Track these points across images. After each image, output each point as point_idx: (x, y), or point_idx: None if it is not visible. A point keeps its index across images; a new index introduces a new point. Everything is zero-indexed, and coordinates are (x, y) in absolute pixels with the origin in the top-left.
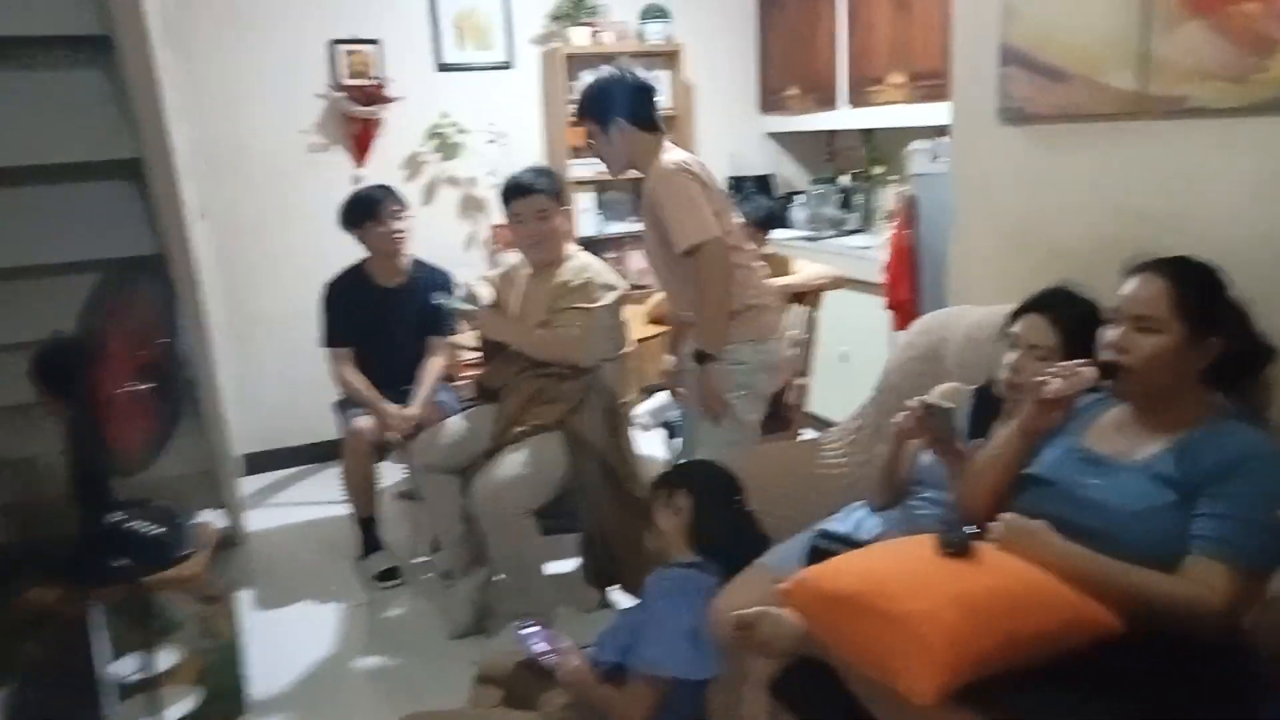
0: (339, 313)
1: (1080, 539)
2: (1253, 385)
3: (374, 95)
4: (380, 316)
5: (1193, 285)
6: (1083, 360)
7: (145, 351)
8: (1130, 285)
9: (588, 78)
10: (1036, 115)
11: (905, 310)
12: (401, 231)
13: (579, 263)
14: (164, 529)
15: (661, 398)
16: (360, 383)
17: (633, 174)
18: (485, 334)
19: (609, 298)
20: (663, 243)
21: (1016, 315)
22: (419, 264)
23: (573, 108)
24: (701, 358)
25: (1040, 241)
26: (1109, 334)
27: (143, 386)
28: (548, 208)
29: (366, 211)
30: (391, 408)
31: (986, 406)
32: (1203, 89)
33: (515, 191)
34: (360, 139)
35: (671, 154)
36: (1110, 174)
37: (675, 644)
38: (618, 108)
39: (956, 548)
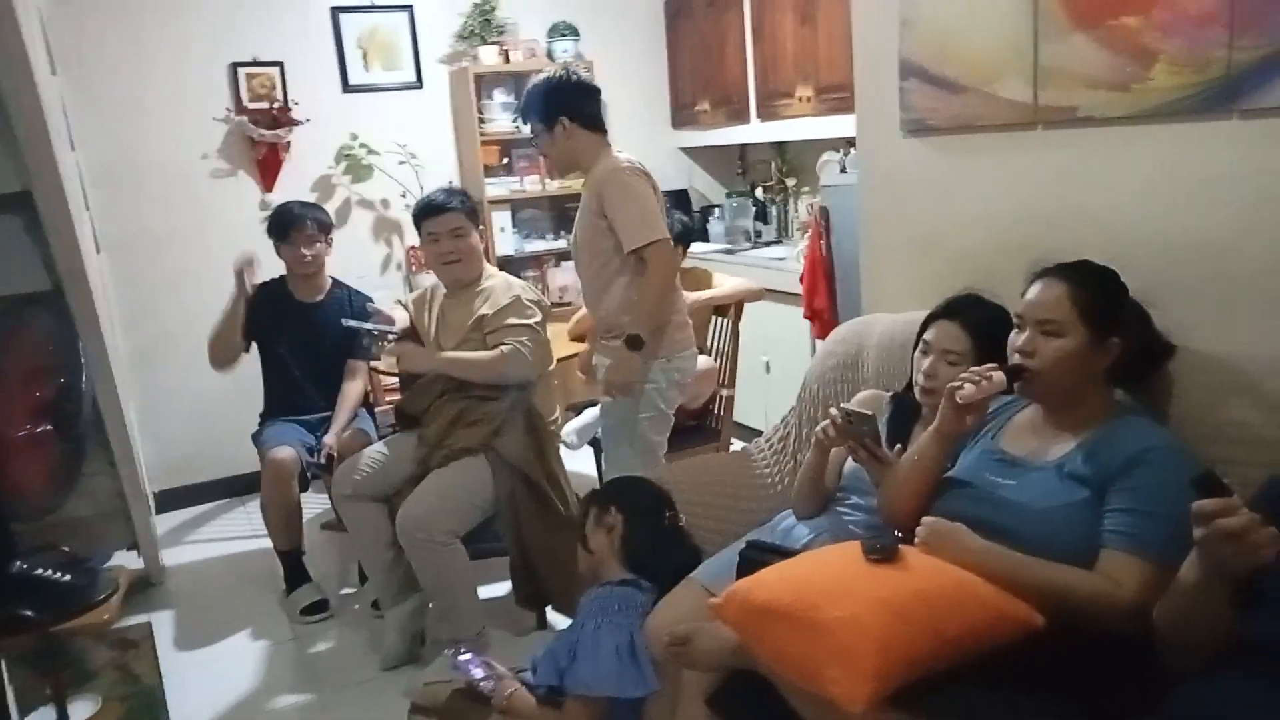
0: (252, 310)
1: (997, 538)
2: (1152, 381)
3: (279, 118)
4: (299, 331)
5: (1093, 288)
6: (994, 365)
7: (43, 391)
8: (1034, 290)
9: (499, 96)
10: (937, 127)
11: (823, 319)
12: (308, 257)
13: (501, 281)
14: (72, 574)
15: (588, 415)
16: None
17: (551, 190)
18: (409, 369)
19: (539, 315)
20: (595, 246)
21: (928, 322)
22: (337, 283)
23: (485, 126)
24: (633, 342)
25: (946, 248)
26: (1016, 339)
27: (42, 428)
28: (462, 225)
29: (279, 230)
30: None
31: (904, 412)
32: (1091, 99)
33: (428, 211)
34: (267, 163)
35: (620, 154)
36: (1008, 181)
37: (610, 663)
38: (563, 107)
39: (882, 553)
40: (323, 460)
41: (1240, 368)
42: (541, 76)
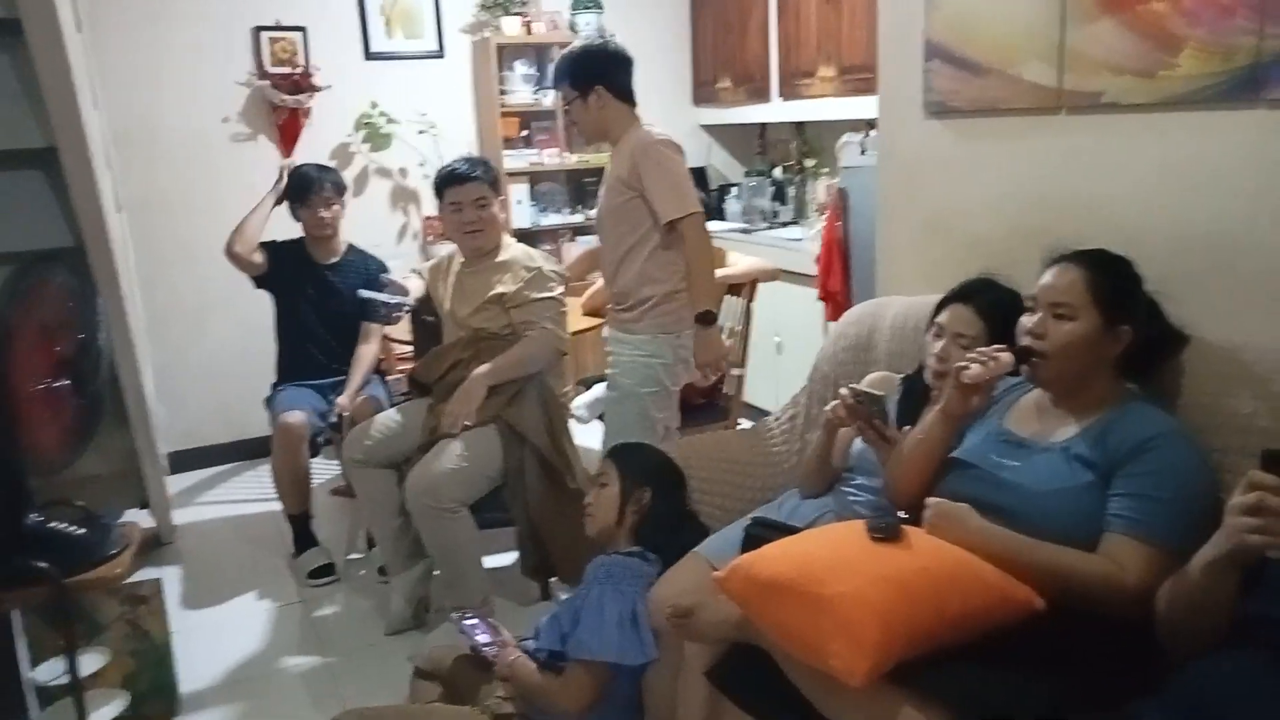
0: (277, 247)
1: (1001, 519)
2: (1162, 371)
3: (300, 84)
4: (314, 290)
5: (1107, 275)
6: (1001, 346)
7: (62, 347)
8: (1048, 275)
9: (521, 68)
10: (958, 108)
11: (837, 301)
12: (326, 219)
13: (521, 252)
14: (86, 529)
15: (598, 390)
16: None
17: (569, 164)
18: (460, 406)
19: (561, 286)
20: (621, 215)
21: (941, 305)
22: (353, 249)
23: (506, 97)
24: (705, 318)
25: (963, 231)
26: (1027, 321)
27: (59, 383)
28: (485, 196)
29: (297, 193)
30: None
31: (915, 394)
32: (1115, 84)
33: (452, 179)
34: (287, 128)
35: (653, 127)
36: (1028, 166)
37: (613, 630)
38: (599, 75)
39: (885, 532)
40: (334, 420)
41: (1250, 359)
42: (578, 43)
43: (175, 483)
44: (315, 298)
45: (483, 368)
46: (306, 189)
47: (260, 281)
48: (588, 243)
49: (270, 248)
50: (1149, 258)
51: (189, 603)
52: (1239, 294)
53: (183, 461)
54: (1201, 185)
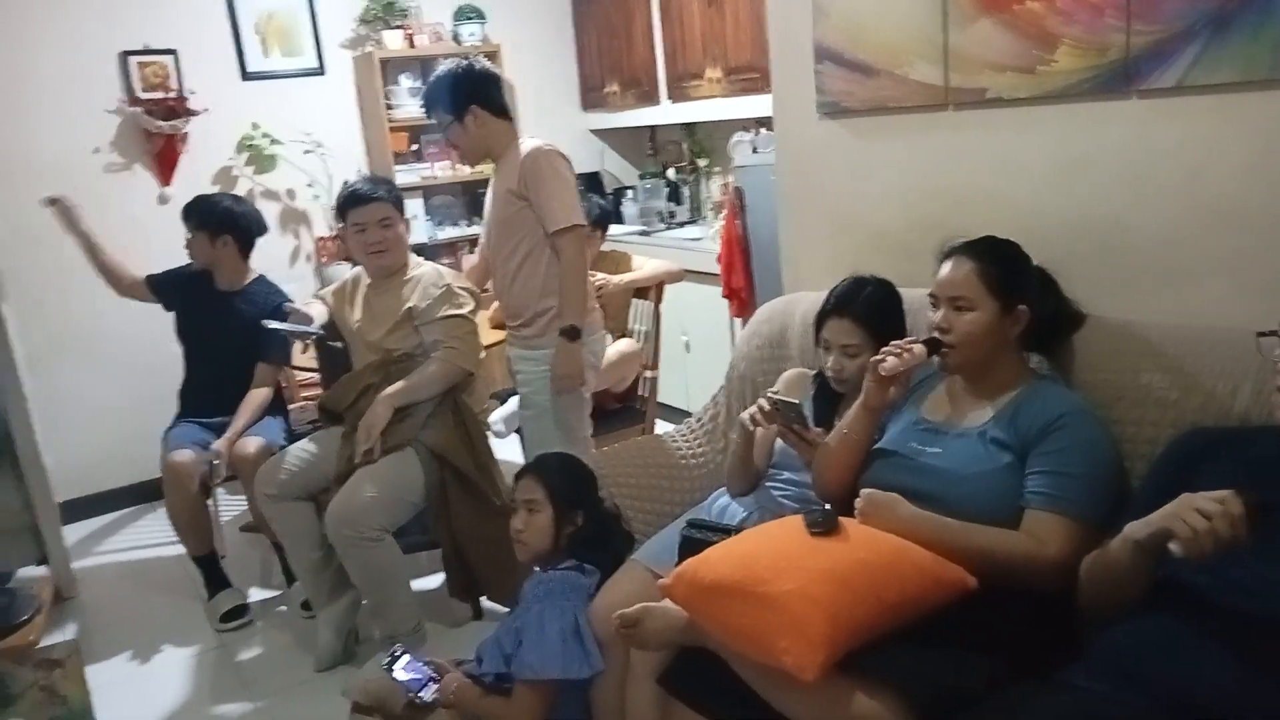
0: (176, 277)
1: (927, 504)
2: (1063, 349)
3: (175, 108)
4: (213, 317)
5: (998, 262)
6: (912, 339)
7: None
8: (944, 270)
9: (406, 81)
10: (852, 109)
11: (741, 298)
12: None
13: (430, 270)
14: None
15: (513, 403)
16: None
17: (462, 175)
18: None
19: (471, 303)
20: (510, 228)
21: (821, 319)
22: (261, 279)
23: (393, 112)
24: (570, 333)
25: (863, 226)
26: (931, 316)
27: None
28: (390, 215)
29: (256, 232)
30: None
31: (829, 390)
32: (999, 81)
33: (354, 200)
34: (164, 155)
35: (536, 138)
36: (922, 161)
37: (556, 645)
38: (471, 96)
39: (823, 526)
40: (210, 464)
41: (1141, 335)
42: (443, 69)
43: (72, 532)
44: (213, 326)
45: (387, 390)
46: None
47: (167, 307)
48: None
49: (160, 279)
50: (1041, 243)
51: (102, 658)
52: (1128, 274)
53: (78, 509)
54: (1084, 173)
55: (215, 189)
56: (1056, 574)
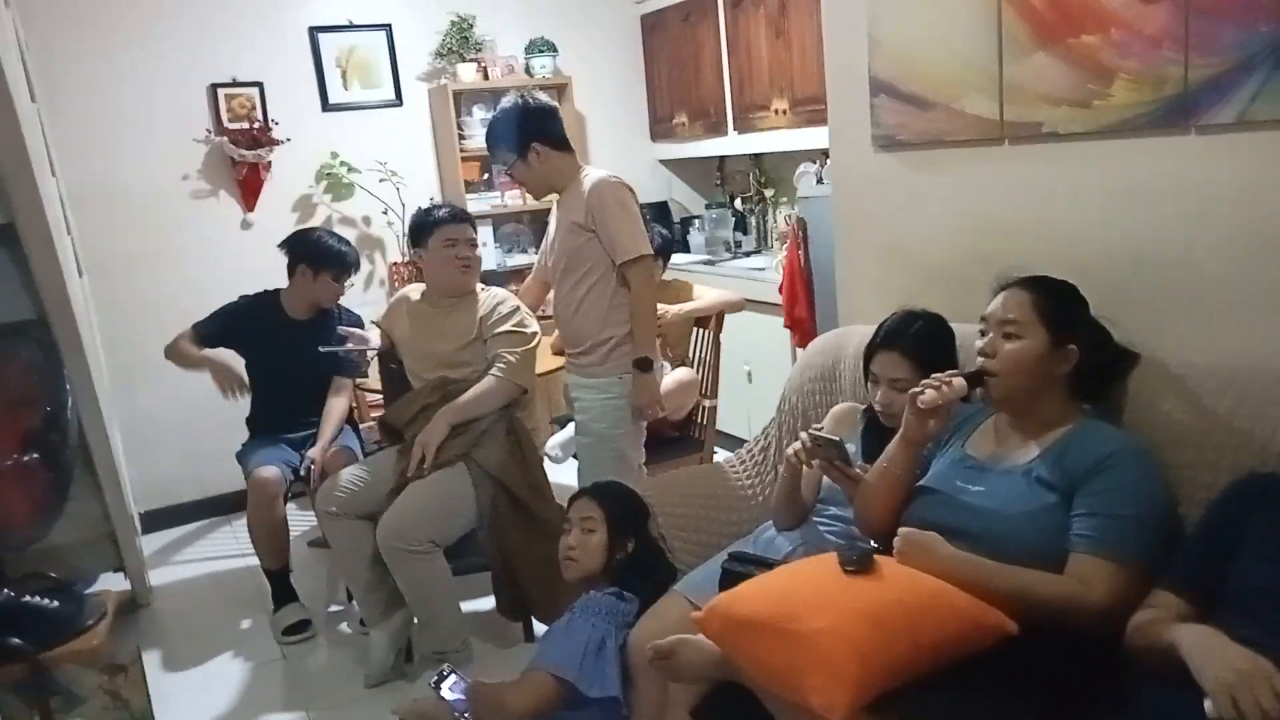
0: (229, 320)
1: (968, 544)
2: (1115, 389)
3: (259, 138)
4: (285, 343)
5: (1053, 296)
6: (954, 371)
7: (28, 420)
8: (997, 299)
9: (479, 113)
10: (907, 141)
11: (803, 328)
12: (337, 296)
13: (500, 291)
14: (60, 601)
15: (572, 429)
16: (185, 351)
17: (531, 205)
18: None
19: (535, 328)
20: (577, 259)
21: (871, 353)
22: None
23: (465, 142)
24: (643, 365)
25: (916, 260)
26: (978, 343)
27: (28, 458)
28: (475, 237)
29: (340, 266)
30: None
31: (878, 425)
32: (1054, 115)
33: (451, 217)
34: (248, 183)
35: (602, 170)
36: (976, 195)
37: (578, 651)
38: (532, 132)
39: (858, 564)
40: (303, 474)
41: (1198, 374)
42: (502, 108)
43: (149, 543)
44: (287, 351)
45: (447, 406)
46: (350, 267)
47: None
48: None
49: (225, 321)
50: (1094, 279)
51: (169, 665)
52: (1183, 313)
53: (155, 521)
54: (1141, 208)
55: (295, 216)
56: (1102, 620)
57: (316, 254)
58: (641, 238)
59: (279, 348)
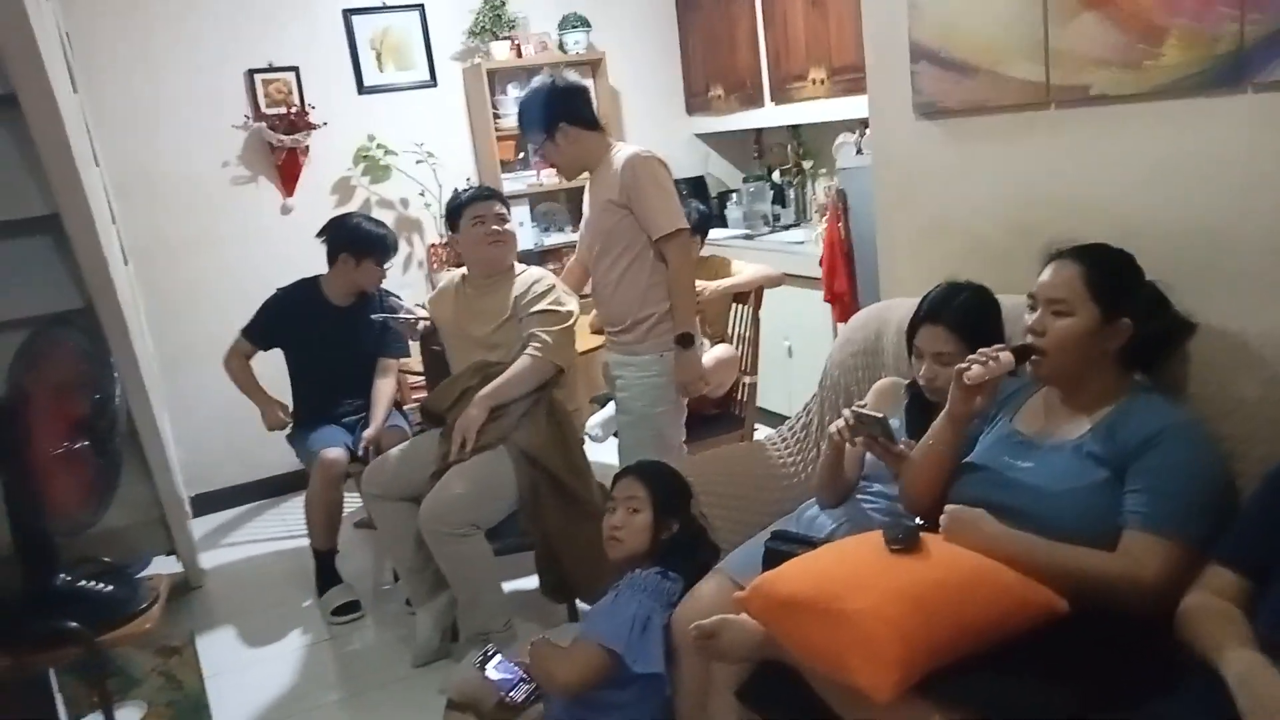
0: (272, 315)
1: (1016, 521)
2: (1169, 361)
3: (296, 123)
4: (331, 330)
5: (1104, 269)
6: (1001, 345)
7: (78, 408)
8: (1046, 272)
9: (513, 91)
10: (949, 109)
11: (844, 302)
12: (376, 281)
13: (537, 270)
14: (114, 585)
15: (612, 408)
16: (244, 375)
17: (568, 184)
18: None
19: (571, 306)
20: (614, 236)
21: (915, 326)
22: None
23: (500, 121)
24: (684, 340)
25: (961, 231)
26: (1026, 319)
27: (79, 444)
28: (506, 212)
29: (369, 249)
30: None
31: (922, 400)
32: (1102, 77)
33: (475, 197)
34: (286, 168)
35: (633, 145)
36: (1021, 163)
37: (625, 625)
38: (560, 113)
39: (903, 543)
40: (360, 454)
41: (1255, 345)
42: (530, 90)
43: (200, 526)
44: (332, 337)
45: (482, 390)
46: (386, 251)
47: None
48: None
49: (271, 316)
50: (1147, 248)
51: (221, 646)
52: (1239, 280)
53: (205, 504)
54: (1194, 173)
55: (334, 199)
56: (1153, 598)
57: (358, 241)
58: (677, 213)
59: (324, 334)
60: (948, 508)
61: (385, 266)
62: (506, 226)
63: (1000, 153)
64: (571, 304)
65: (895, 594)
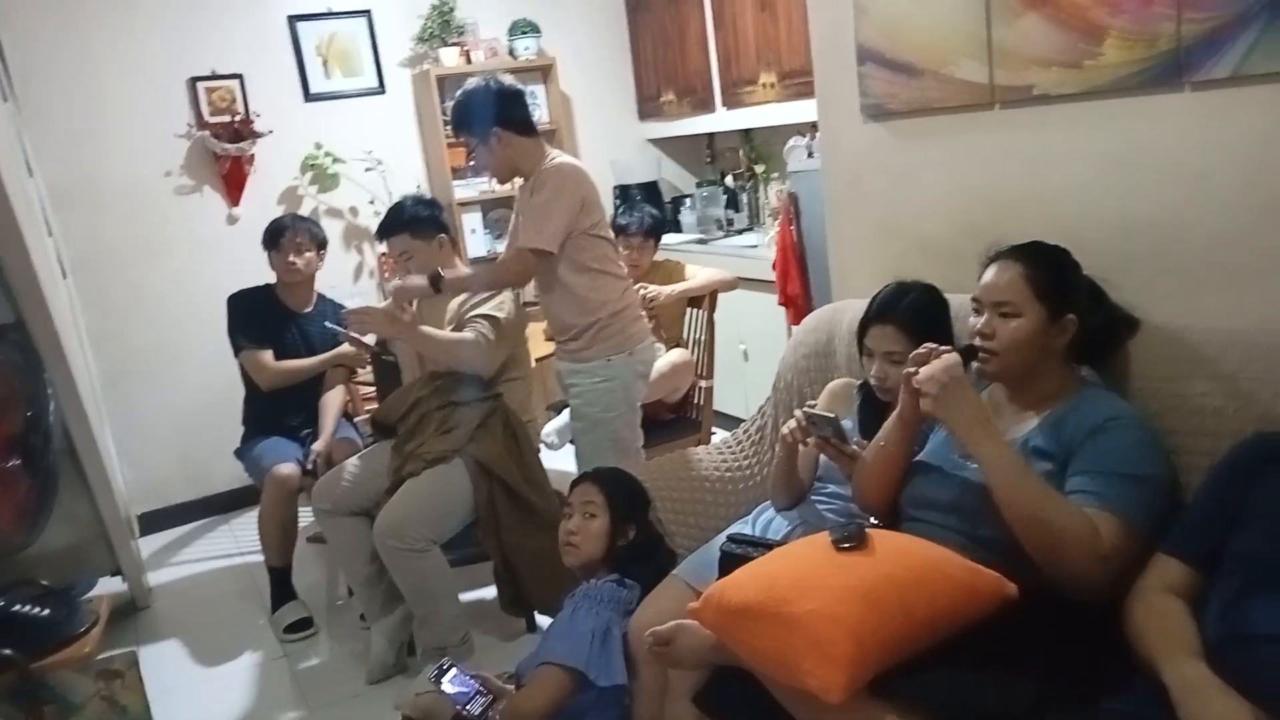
0: (248, 316)
1: (965, 519)
2: (1114, 357)
3: (241, 131)
4: (285, 337)
5: (1046, 268)
6: (948, 347)
7: (9, 425)
8: (989, 274)
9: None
10: (896, 110)
11: (797, 305)
12: (297, 265)
13: None
14: (50, 608)
15: (567, 415)
16: (288, 366)
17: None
18: (390, 333)
19: (510, 312)
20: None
21: (865, 326)
22: (322, 298)
23: (450, 128)
24: (435, 281)
25: (908, 231)
26: (973, 322)
27: (10, 463)
28: (408, 248)
29: (271, 238)
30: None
31: (874, 401)
32: (1045, 77)
33: (379, 234)
34: (231, 177)
35: (566, 155)
36: (968, 163)
37: (584, 642)
38: (491, 116)
39: (851, 541)
40: (309, 467)
41: (1198, 341)
42: (463, 91)
43: (148, 544)
44: (293, 343)
45: (424, 329)
46: (279, 234)
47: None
48: None
49: (250, 320)
50: (1091, 245)
51: (170, 667)
52: (1183, 277)
53: (153, 522)
54: (1136, 170)
55: (281, 208)
56: (1104, 573)
57: (268, 231)
58: (547, 233)
59: (287, 341)
60: (921, 370)
61: (308, 250)
62: (411, 263)
63: (947, 153)
64: (508, 310)
65: (845, 592)
